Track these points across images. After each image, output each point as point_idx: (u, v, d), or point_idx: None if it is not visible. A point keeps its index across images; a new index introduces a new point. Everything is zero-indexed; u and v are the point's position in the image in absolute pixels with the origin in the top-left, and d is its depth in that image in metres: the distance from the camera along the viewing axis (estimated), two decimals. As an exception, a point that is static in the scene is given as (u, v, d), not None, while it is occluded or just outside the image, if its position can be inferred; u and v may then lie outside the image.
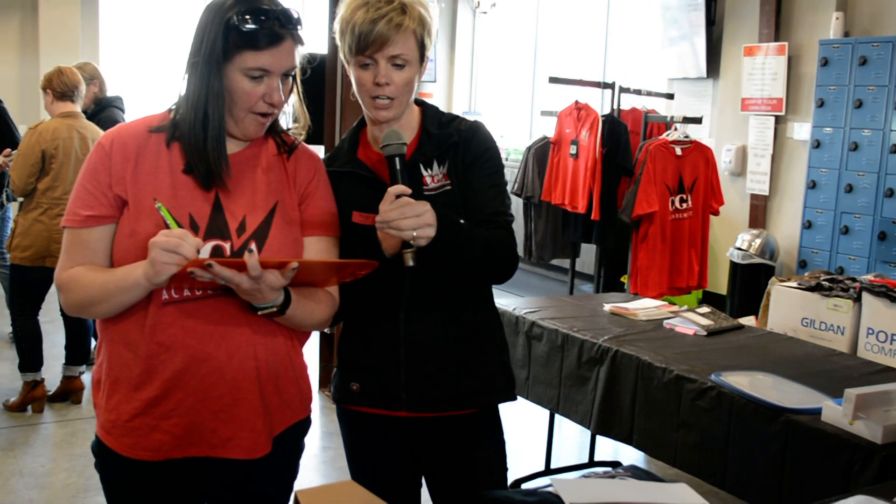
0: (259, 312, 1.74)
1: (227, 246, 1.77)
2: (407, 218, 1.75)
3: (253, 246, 1.65)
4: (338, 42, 1.99)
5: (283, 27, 1.74)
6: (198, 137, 1.77)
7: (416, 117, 2.09)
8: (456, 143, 2.03)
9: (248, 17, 1.72)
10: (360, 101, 2.01)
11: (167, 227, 1.71)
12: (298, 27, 1.79)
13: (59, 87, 4.72)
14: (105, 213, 1.79)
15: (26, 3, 9.23)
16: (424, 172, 2.01)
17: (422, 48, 1.97)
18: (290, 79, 1.82)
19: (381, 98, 1.95)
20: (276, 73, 1.76)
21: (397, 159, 1.87)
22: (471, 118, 2.14)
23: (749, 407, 2.64)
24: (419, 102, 2.12)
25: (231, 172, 1.82)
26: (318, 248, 1.91)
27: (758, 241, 6.22)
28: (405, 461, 2.16)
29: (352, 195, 2.02)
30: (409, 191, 1.80)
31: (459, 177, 2.02)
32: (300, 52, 1.82)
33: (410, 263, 1.82)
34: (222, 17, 1.73)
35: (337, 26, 1.97)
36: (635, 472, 2.05)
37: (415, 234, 1.76)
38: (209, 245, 1.75)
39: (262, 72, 1.75)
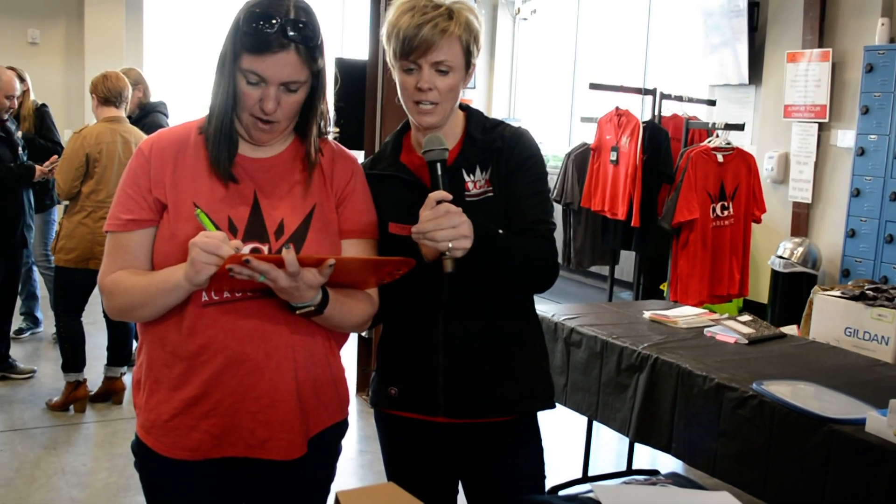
0: (297, 311, 1.74)
1: (265, 248, 1.78)
2: (443, 229, 1.74)
3: (290, 245, 1.66)
4: (384, 46, 1.98)
5: (287, 37, 1.69)
6: (209, 130, 1.80)
7: (460, 122, 2.08)
8: (499, 149, 2.01)
9: (252, 19, 1.70)
10: (404, 106, 2.00)
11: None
12: (311, 40, 1.73)
13: (102, 93, 4.79)
14: (145, 217, 1.81)
15: (72, 10, 9.39)
16: (467, 178, 2.00)
17: (467, 55, 1.96)
18: (296, 93, 1.76)
19: (423, 103, 1.94)
20: (273, 81, 1.72)
21: (438, 165, 1.86)
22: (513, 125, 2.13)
23: (791, 417, 2.60)
24: (464, 107, 2.10)
25: (266, 175, 1.84)
26: (355, 251, 1.91)
27: (800, 249, 6.15)
28: (442, 466, 2.16)
29: (393, 199, 2.02)
30: (450, 197, 1.80)
31: (502, 183, 2.01)
32: (313, 66, 1.76)
33: (450, 269, 1.80)
34: (238, 16, 1.74)
35: (384, 30, 1.96)
36: (676, 480, 2.03)
37: (450, 245, 1.75)
38: (248, 247, 1.76)
39: (258, 77, 1.72)
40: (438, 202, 1.78)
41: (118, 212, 1.82)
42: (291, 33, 1.69)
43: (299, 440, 1.84)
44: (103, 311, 5.00)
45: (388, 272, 1.81)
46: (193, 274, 1.64)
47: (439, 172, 1.86)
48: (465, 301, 2.01)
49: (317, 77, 1.79)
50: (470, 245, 1.78)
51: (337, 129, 1.92)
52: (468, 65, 1.98)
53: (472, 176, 2.01)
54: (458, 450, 2.13)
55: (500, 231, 1.92)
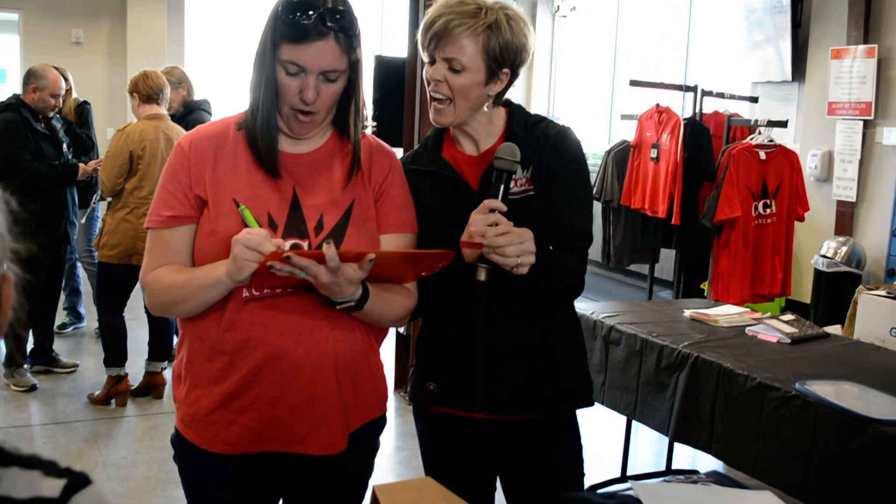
0: (337, 307, 1.74)
1: (304, 244, 1.78)
2: (513, 245, 1.74)
3: (331, 241, 1.66)
4: None
5: (326, 25, 1.69)
6: (253, 125, 1.79)
7: (501, 118, 2.05)
8: (542, 147, 1.98)
9: (290, 9, 1.69)
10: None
11: (248, 227, 1.73)
12: (349, 28, 1.72)
13: (144, 91, 4.84)
14: (185, 214, 1.81)
15: (115, 11, 9.51)
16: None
17: (489, 56, 1.90)
18: (335, 83, 1.76)
19: (436, 98, 1.94)
20: (312, 71, 1.71)
21: (504, 176, 1.85)
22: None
23: (835, 417, 2.56)
24: (506, 103, 2.08)
25: (305, 170, 1.84)
26: (394, 245, 1.90)
27: (844, 248, 6.05)
28: (480, 462, 2.16)
29: (433, 195, 2.01)
30: (505, 208, 1.79)
31: (543, 183, 1.97)
32: (352, 55, 1.75)
33: (482, 278, 1.81)
34: (275, 7, 1.73)
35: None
36: (718, 479, 2.01)
37: (519, 260, 1.74)
38: (288, 243, 1.76)
39: (297, 67, 1.71)
40: (491, 210, 1.78)
41: (159, 208, 1.83)
42: (330, 22, 1.69)
43: (339, 435, 1.83)
44: (145, 307, 5.05)
45: (427, 265, 1.80)
46: (235, 270, 1.65)
47: (502, 183, 1.85)
48: (504, 298, 2.00)
49: (354, 68, 1.78)
50: (534, 260, 1.77)
51: (374, 123, 1.91)
52: (491, 70, 1.92)
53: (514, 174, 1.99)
54: (496, 446, 2.12)
55: (550, 248, 1.91)
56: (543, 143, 1.98)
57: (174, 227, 1.82)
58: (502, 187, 1.85)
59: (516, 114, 2.05)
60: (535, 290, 1.96)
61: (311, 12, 1.68)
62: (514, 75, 1.98)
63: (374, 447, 2.01)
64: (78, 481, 0.96)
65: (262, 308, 1.77)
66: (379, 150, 1.95)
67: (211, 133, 1.86)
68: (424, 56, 1.96)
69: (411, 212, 1.96)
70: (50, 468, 0.96)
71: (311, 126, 1.82)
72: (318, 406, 1.80)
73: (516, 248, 1.74)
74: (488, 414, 2.05)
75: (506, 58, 1.92)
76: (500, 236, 1.74)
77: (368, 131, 1.96)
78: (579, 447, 2.16)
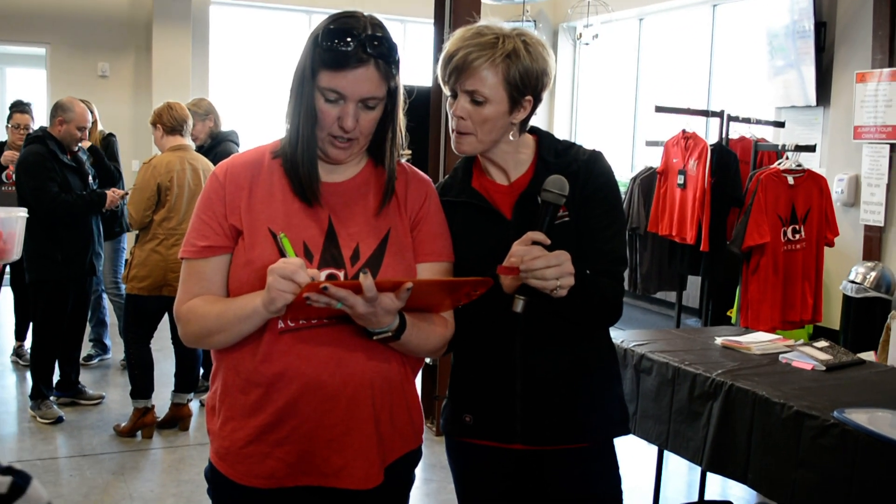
0: (375, 337, 1.72)
1: (340, 274, 1.76)
2: (551, 267, 1.72)
3: (367, 270, 1.64)
4: None
5: (366, 52, 1.69)
6: (292, 153, 1.78)
7: (530, 146, 2.04)
8: (576, 173, 1.95)
9: (329, 36, 1.69)
10: None
11: (284, 256, 1.71)
12: (389, 55, 1.72)
13: (169, 122, 4.87)
14: (220, 244, 1.80)
15: (140, 45, 9.62)
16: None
17: (510, 86, 1.89)
18: (374, 110, 1.76)
19: (458, 132, 1.93)
20: (352, 98, 1.71)
21: (550, 209, 1.84)
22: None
23: (876, 446, 2.50)
24: (533, 130, 2.06)
25: (340, 199, 1.82)
26: (431, 274, 1.89)
27: (873, 273, 5.97)
28: (519, 495, 2.11)
29: (466, 225, 1.99)
30: (548, 241, 1.78)
31: (577, 208, 1.95)
32: (391, 82, 1.75)
33: (518, 310, 1.79)
34: (315, 33, 1.73)
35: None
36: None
37: (559, 282, 1.73)
38: (324, 273, 1.75)
39: (337, 94, 1.71)
40: (534, 242, 1.76)
41: (193, 238, 1.82)
42: (370, 49, 1.69)
43: (375, 469, 1.80)
44: (171, 338, 5.07)
45: (465, 293, 1.77)
46: (270, 301, 1.63)
47: (548, 216, 1.84)
48: (542, 326, 1.97)
49: (392, 95, 1.78)
50: (573, 282, 1.75)
51: (409, 152, 1.88)
52: (513, 98, 1.91)
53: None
54: (535, 478, 2.08)
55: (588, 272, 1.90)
56: (576, 168, 1.96)
57: (209, 258, 1.81)
58: (547, 219, 1.83)
59: (545, 141, 2.04)
60: (576, 316, 1.94)
61: (350, 39, 1.68)
62: (536, 101, 1.97)
63: (409, 481, 1.98)
64: (21, 479, 1.00)
65: (298, 339, 1.75)
66: (415, 177, 1.93)
67: (246, 161, 1.85)
68: (445, 90, 1.95)
69: (447, 240, 1.94)
70: None
71: (349, 152, 1.81)
72: (355, 439, 1.77)
73: (555, 269, 1.72)
74: (528, 445, 2.02)
75: (527, 84, 1.91)
76: (537, 259, 1.72)
77: (404, 160, 1.95)
78: (618, 477, 2.13)
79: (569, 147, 2.03)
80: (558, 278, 1.72)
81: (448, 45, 1.91)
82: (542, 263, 1.72)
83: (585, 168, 1.97)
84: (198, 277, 1.82)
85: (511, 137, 1.97)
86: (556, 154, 2.00)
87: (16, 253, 2.29)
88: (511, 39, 1.89)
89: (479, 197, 2.01)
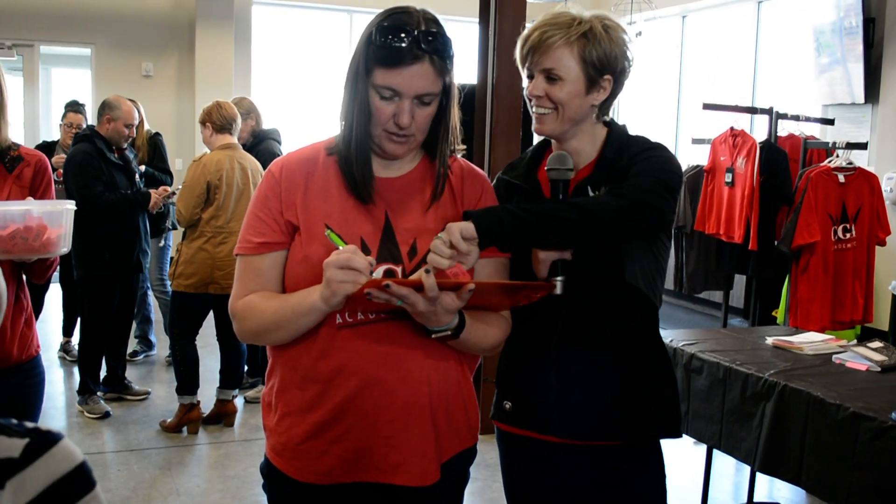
0: (433, 336, 1.71)
1: (398, 270, 1.75)
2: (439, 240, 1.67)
3: (430, 269, 1.63)
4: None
5: (421, 49, 1.68)
6: (347, 150, 1.77)
7: (599, 138, 2.02)
8: (623, 167, 1.93)
9: (383, 33, 1.68)
10: None
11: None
12: (443, 51, 1.71)
13: (218, 121, 4.90)
14: (277, 240, 1.80)
15: (183, 44, 9.71)
16: (591, 194, 1.94)
17: (588, 66, 1.90)
18: (430, 105, 1.75)
19: (539, 109, 1.94)
20: (407, 94, 1.70)
21: (561, 185, 1.83)
22: None
23: (936, 449, 2.45)
24: (607, 123, 2.05)
25: (396, 195, 1.81)
26: (489, 271, 1.87)
27: (924, 274, 5.87)
28: (557, 489, 2.09)
29: None
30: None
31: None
32: (446, 78, 1.74)
33: (558, 292, 1.78)
34: (368, 31, 1.72)
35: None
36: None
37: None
38: (381, 269, 1.74)
39: (392, 91, 1.70)
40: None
41: (249, 235, 1.82)
42: (424, 45, 1.68)
43: (433, 466, 1.79)
44: (216, 335, 5.11)
45: (524, 295, 1.76)
46: (329, 295, 1.62)
47: (558, 192, 1.83)
48: (582, 319, 1.96)
49: (447, 91, 1.77)
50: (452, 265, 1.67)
51: (464, 147, 1.87)
52: (591, 78, 1.91)
53: (598, 192, 1.93)
54: (575, 473, 2.06)
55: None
56: (625, 163, 1.93)
57: (265, 254, 1.80)
58: (560, 196, 1.83)
59: (614, 135, 2.01)
60: (551, 242, 1.81)
61: (404, 35, 1.67)
62: (617, 84, 1.97)
63: (465, 479, 1.97)
64: (42, 441, 0.95)
65: (356, 335, 1.74)
66: (470, 173, 1.92)
67: (301, 158, 1.85)
68: (524, 73, 1.96)
69: None
70: (13, 429, 0.95)
71: (406, 147, 1.80)
72: (412, 436, 1.76)
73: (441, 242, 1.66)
74: (562, 437, 2.00)
75: (605, 65, 1.91)
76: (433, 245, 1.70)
77: (459, 155, 1.93)
78: (661, 478, 2.08)
79: (634, 143, 1.99)
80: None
81: (527, 30, 1.94)
82: (437, 244, 1.65)
83: (634, 159, 1.93)
84: (254, 273, 1.81)
85: (592, 123, 1.98)
86: (617, 150, 1.98)
87: (64, 246, 2.29)
88: (588, 21, 1.90)
89: (536, 185, 2.01)
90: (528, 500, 2.12)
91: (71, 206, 2.36)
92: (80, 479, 0.98)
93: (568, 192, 1.85)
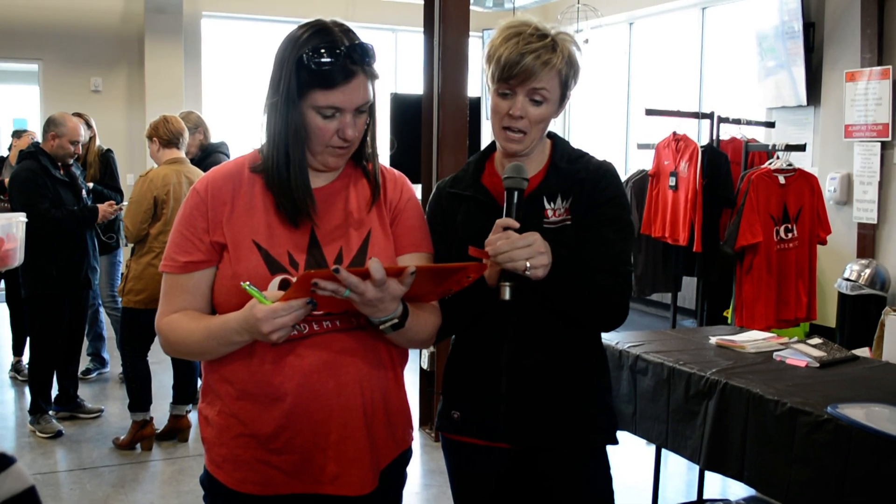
0: (381, 326, 1.72)
1: (292, 280, 1.76)
2: (518, 248, 1.74)
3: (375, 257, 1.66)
4: (483, 66, 2.02)
5: (354, 63, 1.72)
6: (282, 176, 1.78)
7: (546, 149, 2.08)
8: (583, 181, 2.01)
9: (318, 55, 1.70)
10: (493, 129, 2.02)
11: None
12: (371, 60, 1.75)
13: (165, 135, 4.88)
14: (203, 259, 1.81)
15: (132, 59, 9.65)
16: (547, 205, 1.99)
17: (564, 88, 1.98)
18: (365, 113, 1.80)
19: (513, 130, 1.97)
20: (349, 109, 1.74)
21: (516, 193, 1.87)
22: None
23: (869, 441, 2.51)
24: (550, 135, 2.11)
25: (322, 205, 1.83)
26: (414, 261, 1.89)
27: (867, 271, 6.01)
28: (508, 495, 2.13)
29: (469, 219, 2.03)
30: (517, 225, 1.80)
31: (581, 215, 1.99)
32: (375, 85, 1.80)
33: (506, 297, 1.80)
34: (296, 54, 1.72)
35: (485, 50, 1.99)
36: (755, 505, 1.98)
37: (528, 263, 1.75)
38: (277, 279, 1.75)
39: (334, 109, 1.73)
40: (505, 229, 1.79)
41: (174, 253, 1.82)
42: (356, 59, 1.72)
43: (370, 474, 1.82)
44: (168, 350, 5.08)
45: (458, 280, 1.78)
46: (267, 339, 1.65)
47: (514, 201, 1.87)
48: (532, 329, 2.00)
49: (374, 96, 1.81)
50: (549, 261, 1.78)
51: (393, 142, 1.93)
52: (563, 98, 2.00)
53: (552, 204, 2.00)
54: (523, 479, 2.10)
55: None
56: (584, 176, 2.01)
57: (191, 273, 1.81)
58: (514, 205, 1.87)
59: (560, 146, 2.08)
60: (570, 309, 1.95)
61: (337, 55, 1.70)
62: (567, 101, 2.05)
63: (402, 480, 2.00)
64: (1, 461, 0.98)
65: (291, 349, 1.76)
66: (389, 174, 1.96)
67: (225, 175, 1.85)
68: (494, 87, 1.97)
69: (426, 231, 1.96)
70: None
71: (346, 157, 1.84)
72: (349, 447, 1.79)
73: (524, 250, 1.75)
74: (512, 444, 2.04)
75: (571, 84, 2.00)
76: (502, 241, 1.76)
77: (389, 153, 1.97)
78: (608, 480, 2.14)
79: (581, 156, 2.08)
80: (528, 258, 1.75)
81: (504, 46, 1.93)
82: (508, 245, 1.74)
83: (594, 178, 2.01)
84: (180, 291, 1.82)
85: (544, 135, 2.04)
86: (568, 160, 2.05)
87: (18, 259, 2.27)
88: (562, 41, 1.95)
89: (486, 193, 2.05)
90: None
91: (23, 217, 2.34)
92: (30, 501, 1.01)
93: (522, 199, 1.89)
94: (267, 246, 1.76)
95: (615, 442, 2.13)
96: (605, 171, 2.03)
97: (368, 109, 1.81)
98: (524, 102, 1.94)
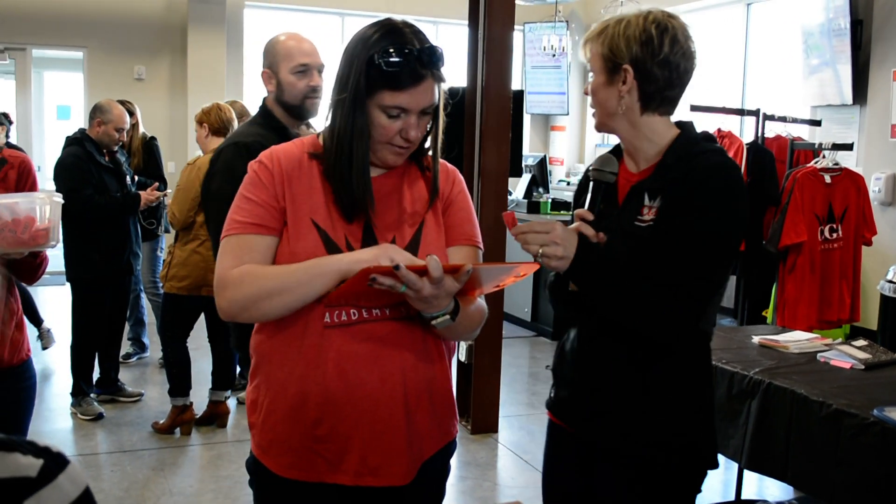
0: (434, 322, 1.72)
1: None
2: (535, 232, 1.77)
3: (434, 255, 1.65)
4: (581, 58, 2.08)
5: (424, 67, 1.73)
6: (343, 172, 1.79)
7: (666, 140, 1.95)
8: (678, 181, 1.85)
9: (390, 57, 1.71)
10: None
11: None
12: (440, 64, 1.77)
13: (216, 122, 4.90)
14: (271, 225, 1.79)
15: (175, 47, 9.72)
16: (646, 202, 1.90)
17: (608, 59, 1.91)
18: (429, 115, 1.81)
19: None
20: (414, 111, 1.76)
21: (601, 186, 1.88)
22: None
23: (917, 444, 2.49)
24: (679, 125, 1.99)
25: (378, 195, 1.83)
26: (460, 258, 1.89)
27: (911, 273, 5.92)
28: (575, 482, 2.10)
29: (589, 203, 2.02)
30: (591, 217, 1.84)
31: (664, 218, 1.86)
32: (442, 89, 1.81)
33: (573, 287, 1.86)
34: (367, 53, 1.73)
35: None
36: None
37: (541, 250, 1.76)
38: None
39: (400, 110, 1.75)
40: (580, 219, 1.84)
41: (240, 216, 1.79)
42: (426, 62, 1.73)
43: (411, 466, 1.83)
44: (208, 337, 5.12)
45: (513, 276, 1.78)
46: (375, 257, 1.66)
47: (598, 193, 1.91)
48: (602, 323, 1.95)
49: (440, 97, 1.83)
50: (563, 254, 1.77)
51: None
52: (607, 67, 1.92)
53: (652, 202, 1.89)
54: (592, 472, 2.05)
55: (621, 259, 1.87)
56: (686, 176, 1.84)
57: (259, 234, 1.79)
58: (599, 197, 1.90)
59: (682, 138, 1.94)
60: (610, 312, 1.89)
61: (408, 58, 1.72)
62: (640, 73, 1.90)
63: (445, 472, 2.01)
64: (55, 463, 0.98)
65: (343, 335, 1.77)
66: (440, 164, 1.95)
67: (287, 152, 1.86)
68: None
69: (474, 224, 1.95)
70: (28, 448, 0.98)
71: (405, 157, 1.85)
72: (391, 437, 1.80)
73: (538, 236, 1.77)
74: (580, 434, 2.04)
75: (616, 52, 1.90)
76: (524, 225, 1.78)
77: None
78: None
79: (701, 152, 1.88)
80: (541, 245, 1.76)
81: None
82: (527, 227, 1.77)
83: (693, 180, 1.84)
84: (249, 249, 1.77)
85: (621, 110, 1.92)
86: (682, 156, 1.89)
87: (53, 239, 2.27)
88: (607, 20, 1.96)
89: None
90: (551, 487, 2.17)
91: (58, 198, 2.35)
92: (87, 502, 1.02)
93: (605, 192, 1.93)
94: (325, 227, 1.78)
95: (695, 467, 2.00)
96: (709, 176, 1.84)
97: (433, 111, 1.82)
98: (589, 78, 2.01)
